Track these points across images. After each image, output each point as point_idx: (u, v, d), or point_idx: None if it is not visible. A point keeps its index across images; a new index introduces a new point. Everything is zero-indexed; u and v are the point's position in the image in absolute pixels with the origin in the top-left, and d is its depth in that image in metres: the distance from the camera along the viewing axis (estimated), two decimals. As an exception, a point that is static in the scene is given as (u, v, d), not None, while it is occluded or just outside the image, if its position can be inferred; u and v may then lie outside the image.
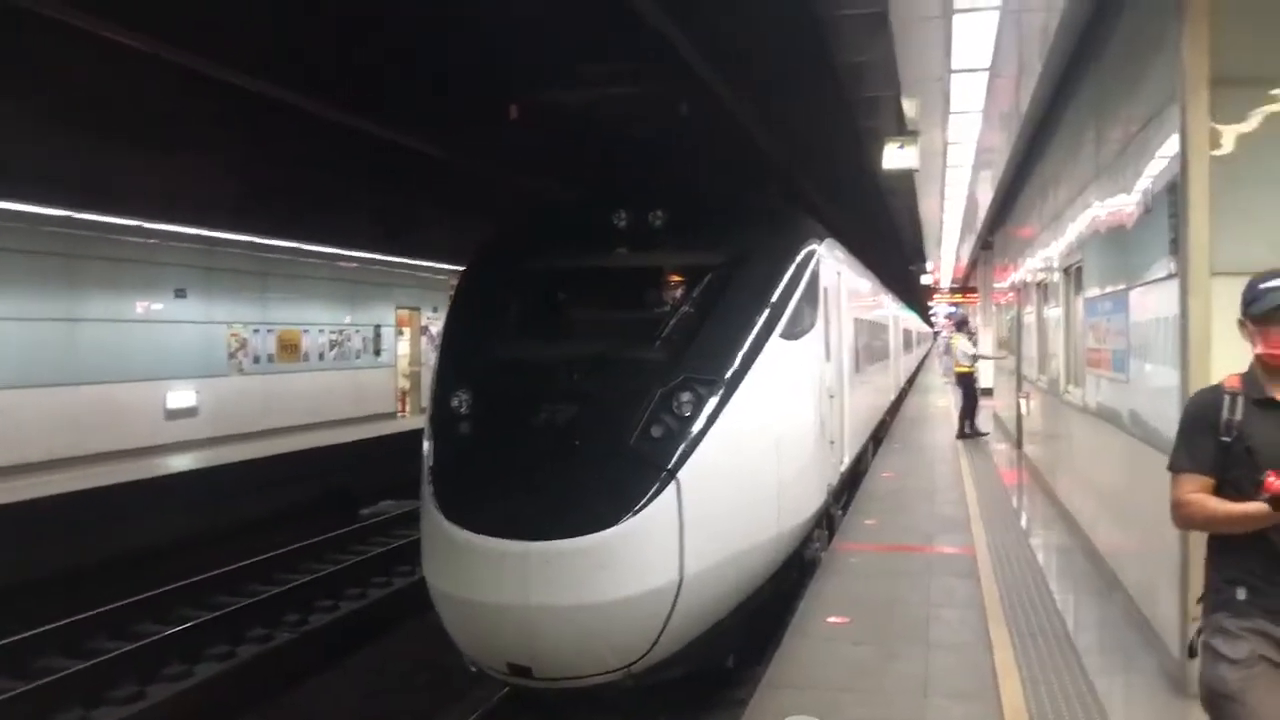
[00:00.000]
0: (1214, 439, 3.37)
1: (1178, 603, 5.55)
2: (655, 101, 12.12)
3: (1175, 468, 3.48)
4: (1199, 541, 5.32)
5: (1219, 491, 3.36)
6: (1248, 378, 3.44)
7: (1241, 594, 3.31)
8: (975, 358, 19.11)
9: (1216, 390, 3.47)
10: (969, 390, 18.77)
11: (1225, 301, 5.34)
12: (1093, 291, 8.50)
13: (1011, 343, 17.42)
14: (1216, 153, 5.41)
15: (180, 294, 17.10)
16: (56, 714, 8.50)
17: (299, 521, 14.98)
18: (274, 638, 10.60)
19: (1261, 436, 3.31)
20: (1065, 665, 6.07)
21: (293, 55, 12.53)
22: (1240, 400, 3.38)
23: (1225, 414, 3.37)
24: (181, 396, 16.90)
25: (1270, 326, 3.34)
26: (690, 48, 10.94)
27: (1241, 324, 3.47)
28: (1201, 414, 3.45)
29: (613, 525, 6.05)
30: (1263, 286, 3.38)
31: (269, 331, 19.46)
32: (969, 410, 18.48)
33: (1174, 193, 5.65)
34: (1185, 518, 3.46)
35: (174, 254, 16.83)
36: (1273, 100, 5.36)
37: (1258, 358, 3.42)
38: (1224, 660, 3.29)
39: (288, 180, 16.65)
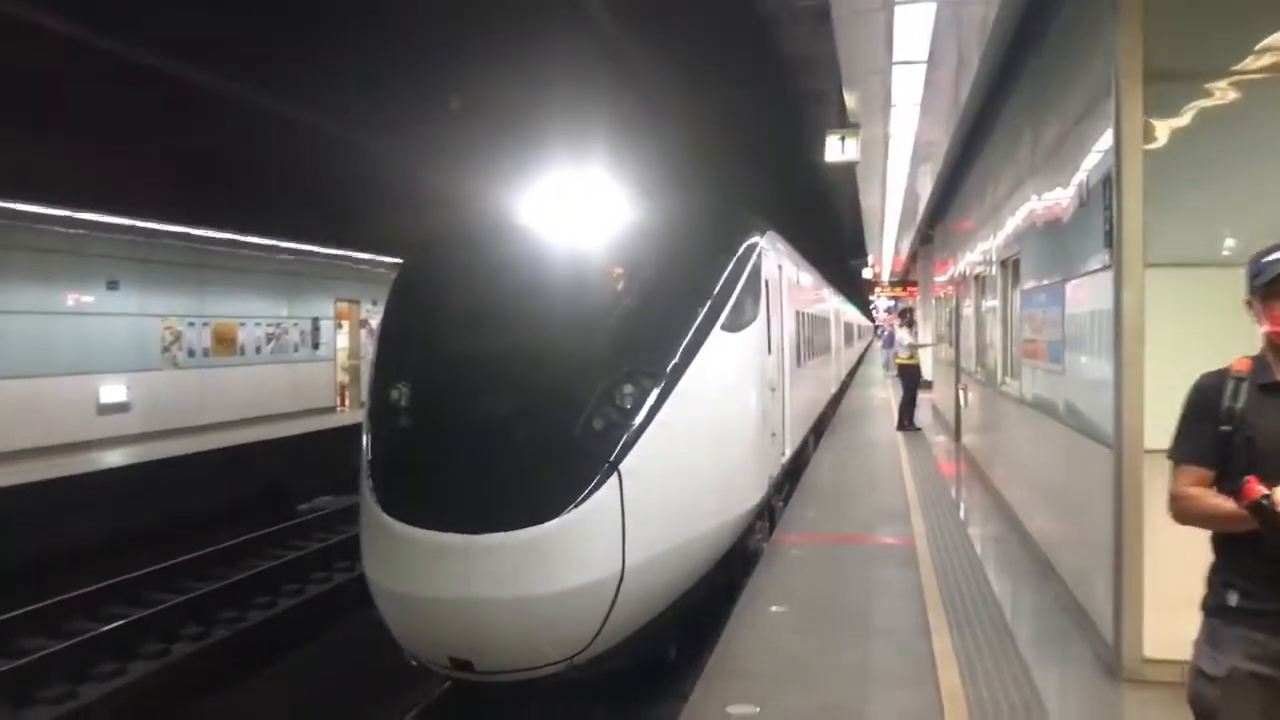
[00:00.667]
0: (1214, 427, 3.12)
1: (1111, 590, 5.64)
2: (593, 93, 12.08)
3: (1174, 457, 3.27)
4: (1133, 530, 5.45)
5: (1220, 483, 3.11)
6: (1258, 360, 3.19)
7: (1233, 599, 3.11)
8: (913, 347, 19.06)
9: (1221, 374, 3.21)
10: (912, 383, 18.66)
11: (1159, 293, 5.46)
12: (1029, 284, 8.61)
13: (949, 335, 17.60)
14: (1150, 146, 5.49)
15: (113, 286, 16.73)
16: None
17: (235, 518, 14.74)
18: (210, 635, 10.42)
19: (1264, 426, 3.05)
20: (1002, 652, 6.14)
21: (225, 42, 12.29)
22: (1245, 386, 3.13)
23: (1227, 400, 3.12)
24: (113, 391, 16.54)
25: (1276, 301, 3.11)
26: (634, 42, 10.92)
27: (1248, 304, 3.26)
28: (1203, 400, 3.21)
29: (554, 518, 6.02)
30: (1266, 260, 3.16)
31: (204, 324, 19.11)
32: (910, 402, 18.43)
33: (1109, 186, 5.72)
34: (1181, 512, 3.23)
35: (105, 245, 16.45)
36: (1205, 94, 5.45)
37: (1265, 337, 3.19)
38: (1203, 677, 3.15)
39: (224, 171, 16.34)
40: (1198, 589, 5.41)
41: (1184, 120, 5.49)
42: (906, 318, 21.31)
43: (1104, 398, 5.80)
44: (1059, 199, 7.26)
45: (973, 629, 6.60)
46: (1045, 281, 7.85)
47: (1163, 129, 5.49)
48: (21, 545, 11.98)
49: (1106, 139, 5.78)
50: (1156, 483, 5.42)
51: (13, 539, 11.92)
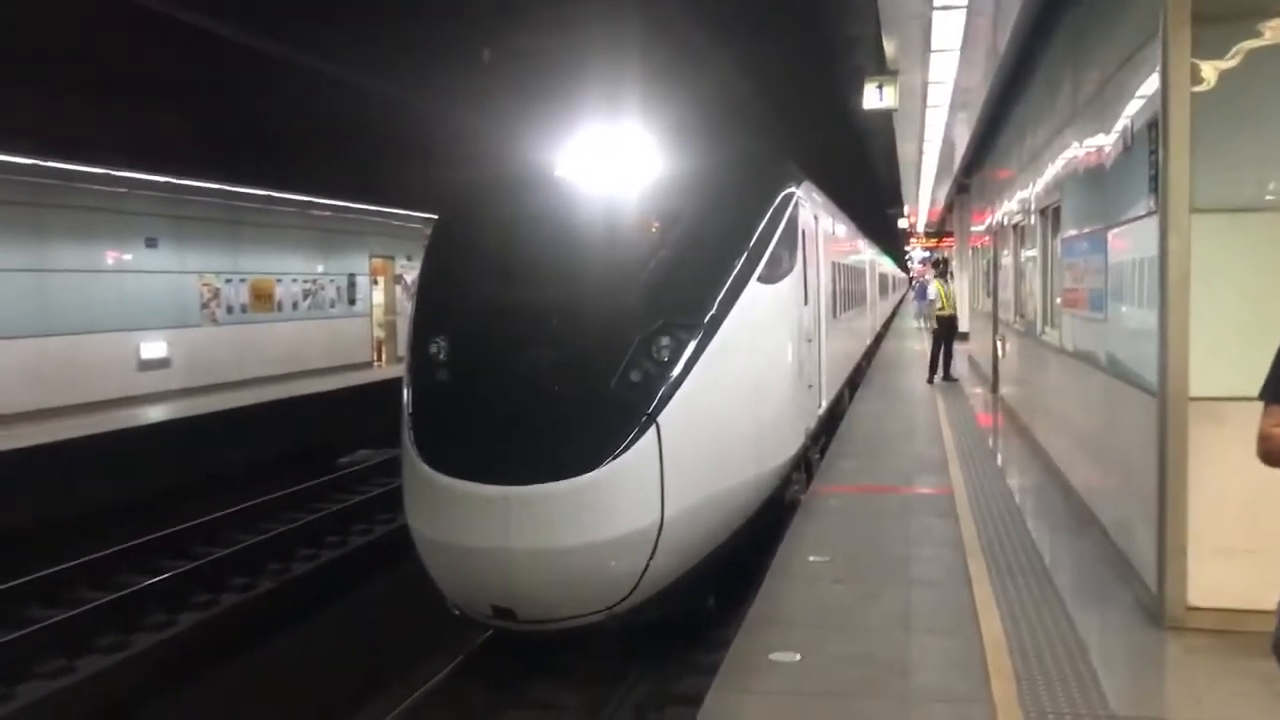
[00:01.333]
0: None
1: (1154, 539, 5.62)
2: (629, 43, 11.97)
3: (1265, 397, 3.24)
4: (1177, 478, 5.42)
5: None
6: None
7: None
8: (941, 296, 18.33)
9: None
10: (950, 334, 18.19)
11: (1205, 239, 5.39)
12: (1070, 232, 8.51)
13: (987, 285, 17.43)
14: (1197, 89, 5.39)
15: (151, 244, 16.89)
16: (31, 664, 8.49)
17: (277, 472, 14.95)
18: (255, 587, 10.61)
19: None
20: (1044, 600, 6.14)
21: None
22: None
23: None
24: (154, 348, 16.75)
25: None
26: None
27: None
28: None
29: (593, 469, 6.08)
30: None
31: (241, 281, 19.27)
32: (948, 354, 18.02)
33: (1154, 130, 5.63)
34: (1267, 452, 3.20)
35: (144, 203, 16.59)
36: (1254, 35, 5.33)
37: None
38: None
39: (258, 128, 16.41)
40: (1241, 538, 5.43)
41: (1232, 63, 5.37)
42: (941, 268, 21.02)
43: (1148, 346, 5.74)
44: (1101, 145, 7.15)
45: (1014, 578, 6.60)
46: (1087, 229, 7.75)
47: (1210, 72, 5.38)
48: (71, 499, 12.24)
49: (1152, 83, 5.67)
50: (1201, 430, 5.41)
51: (60, 494, 12.18)
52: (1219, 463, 5.40)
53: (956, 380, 17.79)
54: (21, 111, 12.65)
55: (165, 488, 13.38)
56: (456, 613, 6.77)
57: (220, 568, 10.83)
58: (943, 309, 18.18)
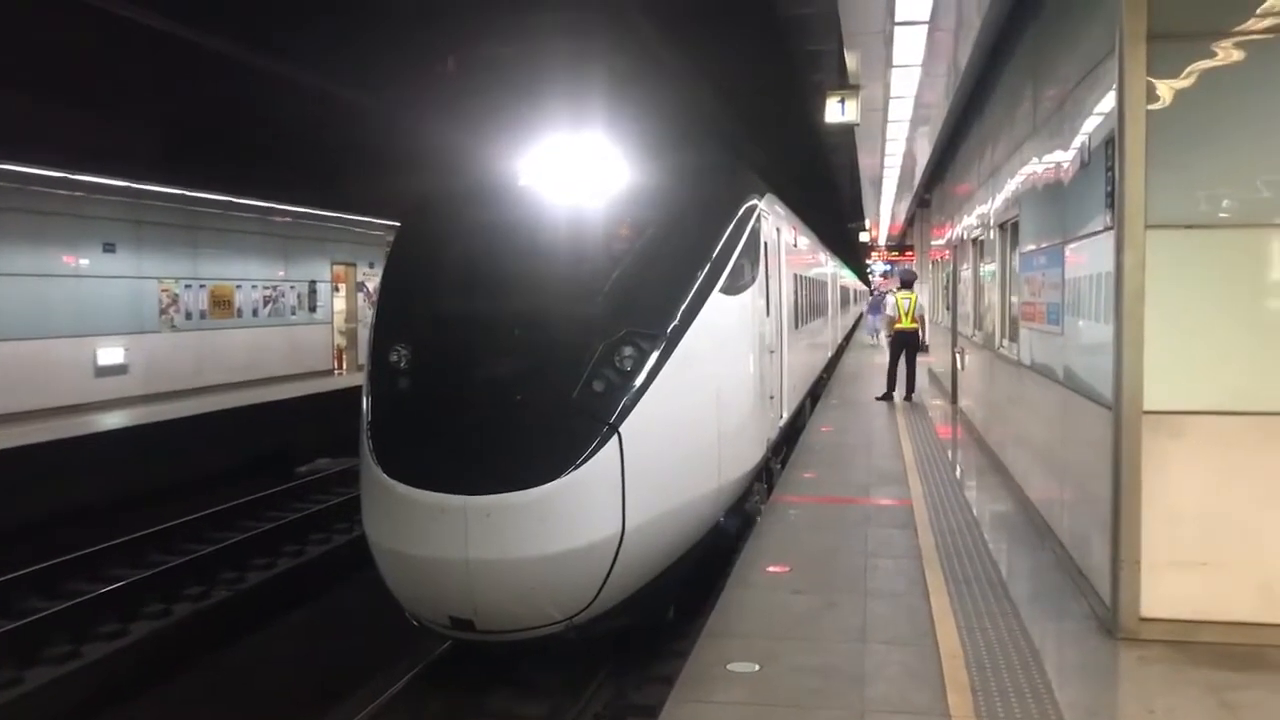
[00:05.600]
0: None
1: (1108, 551, 5.69)
2: (593, 54, 11.99)
3: None
4: (1131, 491, 5.49)
5: None
6: None
7: None
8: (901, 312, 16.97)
9: None
10: (912, 349, 17.26)
11: (1160, 255, 5.47)
12: (1028, 247, 8.60)
13: (946, 298, 17.50)
14: (1152, 107, 5.47)
15: (109, 248, 16.69)
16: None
17: (234, 480, 14.79)
18: (210, 595, 10.48)
19: None
20: (1000, 611, 6.18)
21: (220, 1, 12.19)
22: None
23: None
24: (112, 353, 16.54)
25: None
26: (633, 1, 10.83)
27: None
28: None
29: (554, 479, 6.05)
30: None
31: (201, 287, 19.09)
32: (910, 371, 17.20)
33: (1110, 146, 5.71)
34: None
35: (101, 207, 16.40)
36: (1208, 54, 5.43)
37: None
38: None
39: (219, 133, 16.26)
40: (1194, 550, 5.51)
41: (1187, 81, 5.46)
42: (907, 280, 20.17)
43: (1103, 359, 5.82)
44: (1059, 161, 7.24)
45: (970, 588, 6.65)
46: (1044, 244, 7.84)
47: (1165, 90, 5.47)
48: (21, 507, 12.04)
49: (1109, 100, 5.75)
50: (1155, 443, 5.48)
51: (12, 500, 11.97)
52: (1173, 475, 5.49)
53: (916, 402, 16.97)
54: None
55: (120, 495, 13.20)
56: (416, 623, 6.72)
57: (174, 576, 10.68)
58: (901, 323, 17.06)
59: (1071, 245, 6.82)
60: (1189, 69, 5.46)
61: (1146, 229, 5.47)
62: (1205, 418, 5.48)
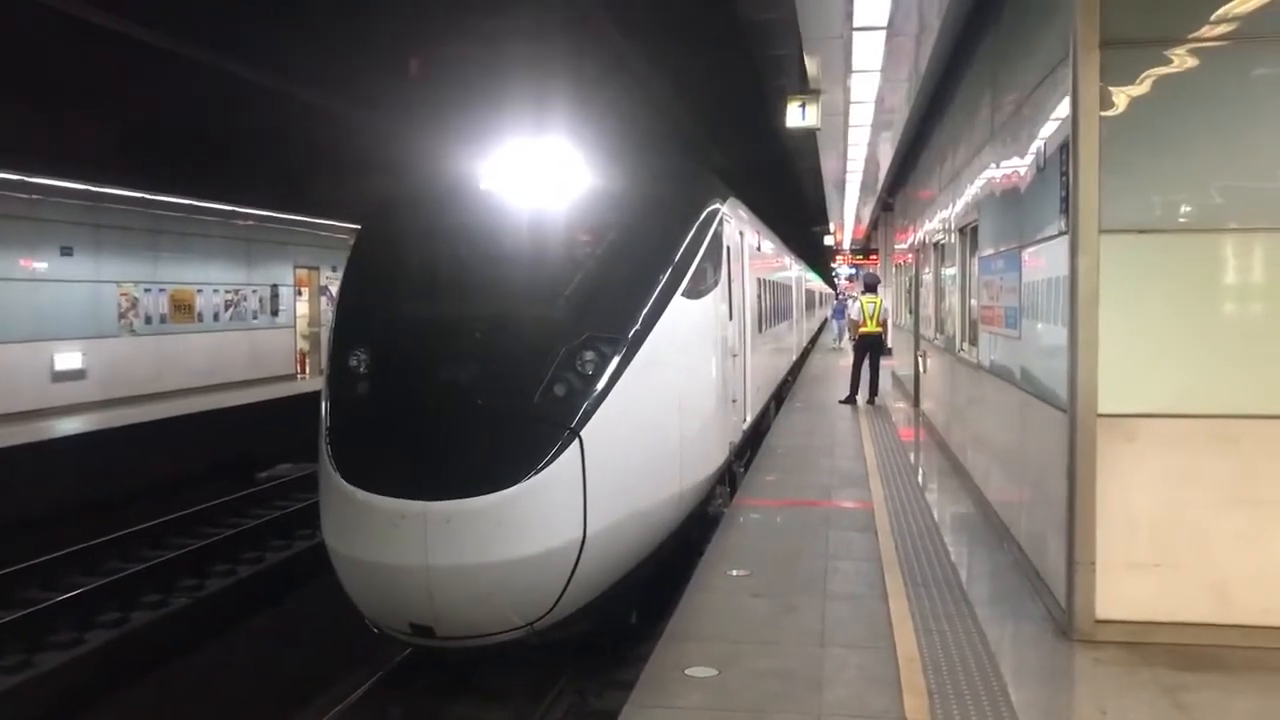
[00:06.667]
0: None
1: (1064, 552, 5.74)
2: (556, 57, 11.98)
3: None
4: (1086, 494, 5.54)
5: None
6: None
7: None
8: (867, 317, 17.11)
9: None
10: (876, 353, 17.49)
11: (1114, 259, 5.53)
12: (987, 250, 8.67)
13: (909, 301, 17.59)
14: (1106, 113, 5.53)
15: (66, 252, 16.48)
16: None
17: (194, 485, 14.63)
18: (169, 603, 10.36)
19: None
20: (958, 614, 6.23)
21: (180, 2, 12.07)
22: None
23: None
24: (69, 359, 16.34)
25: None
26: (594, 6, 10.83)
27: None
28: None
29: (515, 484, 6.01)
30: None
31: (161, 291, 18.89)
32: (874, 375, 17.37)
33: (1065, 153, 5.77)
34: None
35: (59, 210, 16.19)
36: (1161, 61, 5.49)
37: None
38: None
39: (179, 135, 16.10)
40: (1148, 552, 5.58)
41: (1140, 88, 5.53)
42: (871, 283, 20.32)
43: (1059, 363, 5.87)
44: (1016, 166, 7.30)
45: (929, 591, 6.69)
46: (1002, 248, 7.90)
47: (1119, 96, 5.53)
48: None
49: (1064, 106, 5.81)
50: (1109, 446, 5.54)
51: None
52: (1127, 478, 5.55)
53: (879, 405, 17.05)
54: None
55: (78, 501, 13.03)
56: (375, 630, 6.67)
57: (132, 583, 10.55)
58: (865, 326, 17.24)
59: (1028, 250, 6.88)
60: (1142, 76, 5.53)
61: (1100, 234, 5.53)
62: (1158, 420, 5.55)
